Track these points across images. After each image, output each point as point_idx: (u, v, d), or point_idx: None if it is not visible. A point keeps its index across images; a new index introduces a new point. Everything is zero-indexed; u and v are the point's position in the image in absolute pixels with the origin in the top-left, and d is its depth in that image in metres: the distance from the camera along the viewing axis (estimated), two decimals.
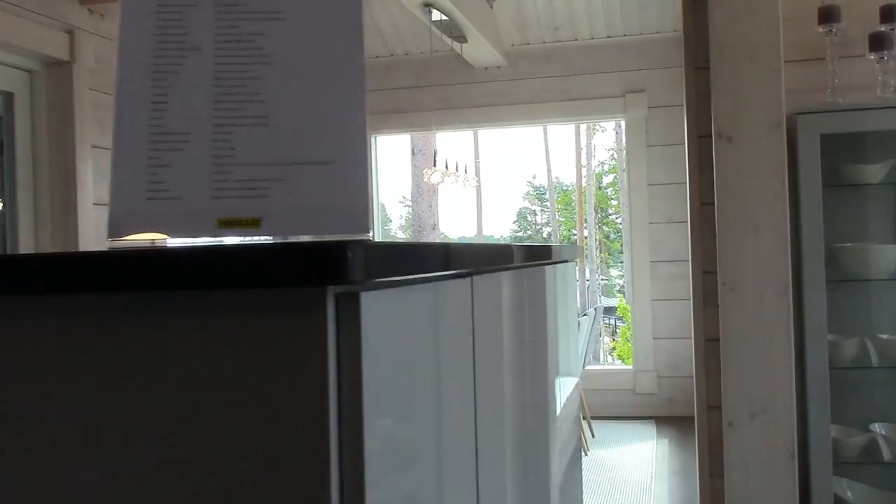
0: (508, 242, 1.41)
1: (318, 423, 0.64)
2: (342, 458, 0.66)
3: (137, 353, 0.67)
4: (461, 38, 5.20)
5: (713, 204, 2.87)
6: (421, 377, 0.81)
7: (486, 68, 6.14)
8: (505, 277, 1.29)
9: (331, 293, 0.65)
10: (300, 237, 0.76)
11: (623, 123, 6.14)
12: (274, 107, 0.73)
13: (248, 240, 0.73)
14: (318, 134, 0.73)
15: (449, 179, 5.43)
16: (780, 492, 2.79)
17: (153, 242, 0.86)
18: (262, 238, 0.73)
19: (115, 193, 0.71)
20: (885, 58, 2.96)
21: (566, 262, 2.03)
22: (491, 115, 6.21)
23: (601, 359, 18.45)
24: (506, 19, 5.88)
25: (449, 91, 6.20)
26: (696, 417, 3.16)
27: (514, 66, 6.12)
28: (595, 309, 5.21)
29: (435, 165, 5.49)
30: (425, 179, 5.64)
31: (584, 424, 5.13)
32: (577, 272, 20.64)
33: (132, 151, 0.71)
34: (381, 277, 0.68)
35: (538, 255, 1.41)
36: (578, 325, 4.24)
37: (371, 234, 0.75)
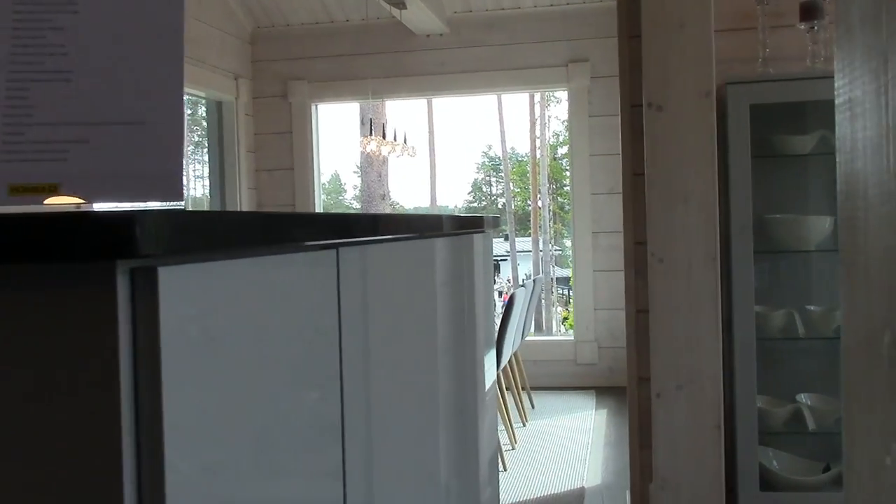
0: (424, 213, 1.35)
1: (108, 412, 0.58)
2: (139, 444, 0.60)
3: None
4: (400, 4, 5.10)
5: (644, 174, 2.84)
6: (249, 356, 0.75)
7: (427, 36, 6.04)
8: (394, 249, 1.24)
9: (124, 268, 0.59)
10: (102, 205, 0.70)
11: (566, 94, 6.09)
12: (79, 60, 0.66)
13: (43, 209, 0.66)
14: (128, 91, 0.66)
15: (385, 148, 5.33)
16: (706, 462, 2.79)
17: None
18: (61, 207, 0.67)
19: None
20: (816, 28, 2.94)
21: (481, 232, 1.98)
22: (433, 84, 6.12)
23: (553, 328, 18.58)
24: None
25: (390, 58, 6.10)
26: (627, 389, 3.16)
27: (457, 34, 6.03)
28: (534, 280, 5.19)
29: (371, 134, 5.39)
30: (361, 148, 5.55)
31: (524, 395, 5.13)
32: (531, 242, 20.68)
33: None
34: (187, 250, 0.62)
35: (431, 226, 1.35)
36: (514, 296, 4.21)
37: (184, 202, 0.69)
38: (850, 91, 0.42)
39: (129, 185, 0.66)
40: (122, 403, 0.59)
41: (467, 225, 1.67)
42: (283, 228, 0.77)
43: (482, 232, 1.95)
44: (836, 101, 0.45)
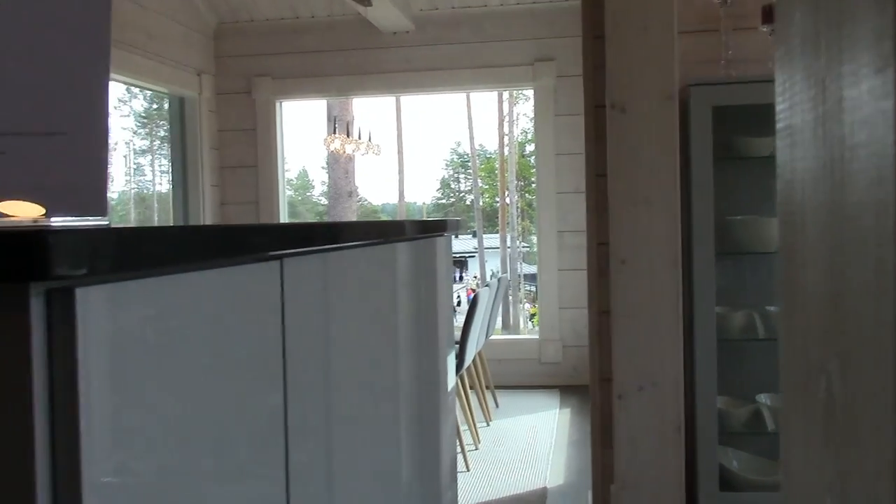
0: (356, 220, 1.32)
1: (21, 444, 0.55)
2: (55, 477, 0.57)
3: None
4: (365, 1, 5.06)
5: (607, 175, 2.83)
6: (182, 373, 0.72)
7: (394, 33, 6.01)
8: (344, 256, 1.21)
9: (38, 290, 0.56)
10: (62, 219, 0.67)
11: (532, 92, 6.09)
12: None
13: None
14: (49, 100, 0.63)
15: (350, 146, 5.29)
16: (667, 463, 2.79)
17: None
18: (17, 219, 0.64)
19: None
20: None
21: (440, 235, 1.96)
22: (400, 81, 6.09)
23: (521, 325, 18.65)
24: None
25: (356, 56, 6.06)
26: (590, 390, 3.16)
27: (423, 32, 6.00)
28: (499, 279, 5.18)
29: (335, 132, 5.35)
30: (325, 146, 5.51)
31: (488, 394, 5.12)
32: (499, 240, 20.73)
33: None
34: (106, 269, 0.59)
35: (374, 233, 1.33)
36: (478, 295, 4.19)
37: (109, 219, 0.66)
38: (789, 117, 0.40)
39: (50, 198, 0.63)
40: (36, 434, 0.56)
41: (422, 229, 1.64)
42: (212, 242, 0.74)
43: (441, 235, 1.92)
44: (777, 126, 0.43)
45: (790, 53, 0.40)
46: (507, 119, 21.27)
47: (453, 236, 2.12)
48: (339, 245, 1.12)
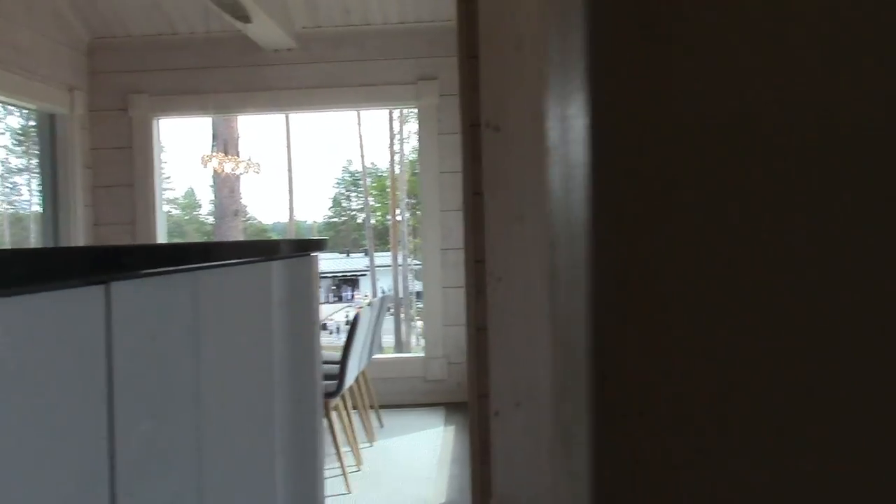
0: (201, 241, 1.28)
1: None
2: None
3: None
4: (244, 18, 4.99)
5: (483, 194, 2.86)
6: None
7: (275, 50, 5.94)
8: (186, 279, 1.18)
9: None
10: None
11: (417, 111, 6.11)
12: None
13: None
14: None
15: (229, 165, 5.20)
16: (543, 479, 2.82)
17: None
18: None
19: None
20: None
21: (303, 255, 1.93)
22: (282, 99, 6.02)
23: (413, 343, 18.66)
24: (296, 0, 5.71)
25: (237, 73, 5.96)
26: (468, 407, 3.17)
27: (306, 50, 5.96)
28: (382, 298, 5.16)
29: (214, 150, 5.25)
30: (202, 165, 5.40)
31: (373, 414, 5.08)
32: (390, 258, 20.72)
33: None
34: None
35: (223, 254, 1.29)
36: (358, 315, 4.16)
37: None
38: (552, 137, 0.41)
39: None
40: None
41: (271, 250, 1.62)
42: (20, 267, 0.70)
43: (306, 255, 1.90)
44: (547, 145, 0.44)
45: (551, 74, 0.40)
46: (397, 137, 21.36)
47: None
48: (181, 267, 1.09)
